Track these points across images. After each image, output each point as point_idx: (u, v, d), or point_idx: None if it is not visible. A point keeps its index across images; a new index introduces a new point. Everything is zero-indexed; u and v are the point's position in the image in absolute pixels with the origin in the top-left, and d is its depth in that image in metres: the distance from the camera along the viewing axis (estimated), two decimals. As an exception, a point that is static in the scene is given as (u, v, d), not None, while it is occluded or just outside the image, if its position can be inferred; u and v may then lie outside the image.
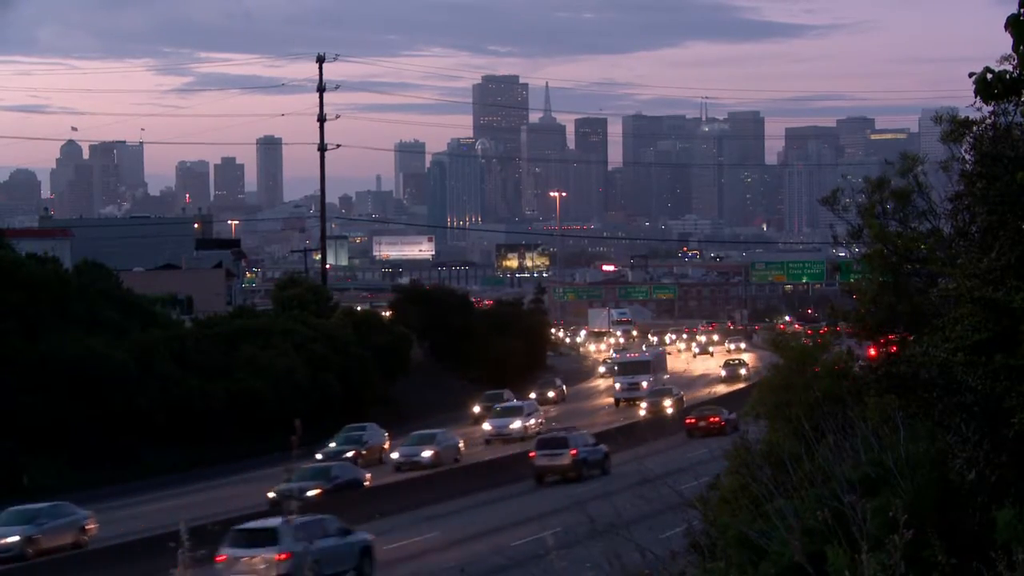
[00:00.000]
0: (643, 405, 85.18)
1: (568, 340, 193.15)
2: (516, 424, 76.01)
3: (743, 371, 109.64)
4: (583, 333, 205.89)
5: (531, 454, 59.39)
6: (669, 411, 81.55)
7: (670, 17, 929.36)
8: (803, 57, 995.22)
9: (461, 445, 67.84)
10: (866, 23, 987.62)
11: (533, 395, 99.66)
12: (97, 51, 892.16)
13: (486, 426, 76.88)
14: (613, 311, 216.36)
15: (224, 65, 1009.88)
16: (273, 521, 37.58)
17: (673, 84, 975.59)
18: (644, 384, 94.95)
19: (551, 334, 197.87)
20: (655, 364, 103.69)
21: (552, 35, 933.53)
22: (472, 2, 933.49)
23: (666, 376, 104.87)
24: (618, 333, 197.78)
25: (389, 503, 51.39)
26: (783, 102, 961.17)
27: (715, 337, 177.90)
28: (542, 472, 58.20)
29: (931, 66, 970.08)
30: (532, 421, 77.35)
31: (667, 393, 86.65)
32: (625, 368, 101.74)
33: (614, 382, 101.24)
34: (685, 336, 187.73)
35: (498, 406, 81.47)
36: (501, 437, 74.36)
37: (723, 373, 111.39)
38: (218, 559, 35.75)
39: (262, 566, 35.80)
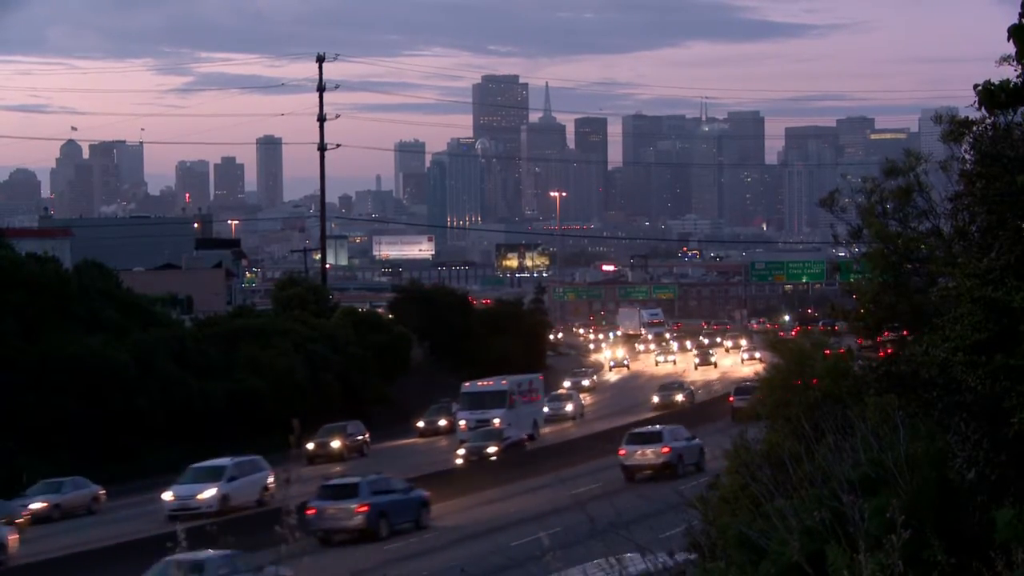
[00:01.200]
0: (460, 452, 66.73)
1: (593, 345, 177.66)
2: (208, 493, 52.88)
3: (680, 397, 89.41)
4: (614, 335, 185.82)
5: (730, 399, 75.01)
6: (493, 459, 64.52)
7: (670, 17, 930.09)
8: (803, 57, 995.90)
9: (10, 543, 46.60)
10: (866, 23, 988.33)
11: (421, 423, 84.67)
12: (98, 51, 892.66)
13: (166, 495, 53.46)
14: (643, 311, 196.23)
15: (224, 65, 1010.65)
16: (657, 427, 59.50)
17: (673, 84, 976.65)
18: (497, 422, 72.73)
19: (578, 334, 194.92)
20: (517, 393, 78.45)
21: (553, 35, 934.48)
22: (473, 2, 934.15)
23: (543, 410, 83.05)
24: (649, 336, 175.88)
25: None
26: (783, 102, 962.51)
27: (743, 342, 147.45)
28: (736, 411, 71.03)
29: (931, 66, 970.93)
30: (243, 485, 54.28)
31: (494, 437, 67.73)
32: (471, 401, 77.02)
33: (457, 419, 77.32)
34: (718, 339, 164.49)
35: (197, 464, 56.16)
36: (185, 511, 49.58)
37: (655, 399, 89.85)
38: (620, 452, 56.52)
39: (652, 456, 56.27)
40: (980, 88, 12.36)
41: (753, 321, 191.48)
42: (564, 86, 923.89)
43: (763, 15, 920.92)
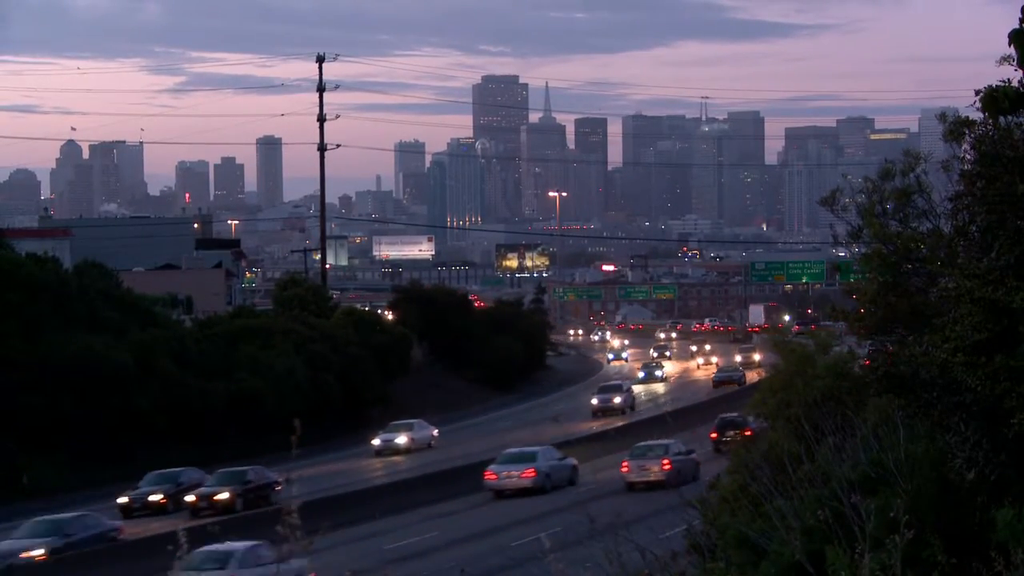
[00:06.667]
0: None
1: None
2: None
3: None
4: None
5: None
6: None
7: (660, 16, 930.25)
8: (795, 56, 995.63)
9: None
10: (857, 22, 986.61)
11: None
12: (87, 50, 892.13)
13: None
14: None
15: (216, 65, 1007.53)
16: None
17: (667, 84, 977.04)
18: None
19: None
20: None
21: (544, 35, 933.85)
22: (461, 2, 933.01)
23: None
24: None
25: None
26: (780, 102, 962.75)
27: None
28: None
29: (931, 66, 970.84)
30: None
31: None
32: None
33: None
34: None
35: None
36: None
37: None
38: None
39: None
40: (982, 95, 12.32)
41: (720, 322, 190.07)
42: (558, 86, 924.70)
43: (752, 14, 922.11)
